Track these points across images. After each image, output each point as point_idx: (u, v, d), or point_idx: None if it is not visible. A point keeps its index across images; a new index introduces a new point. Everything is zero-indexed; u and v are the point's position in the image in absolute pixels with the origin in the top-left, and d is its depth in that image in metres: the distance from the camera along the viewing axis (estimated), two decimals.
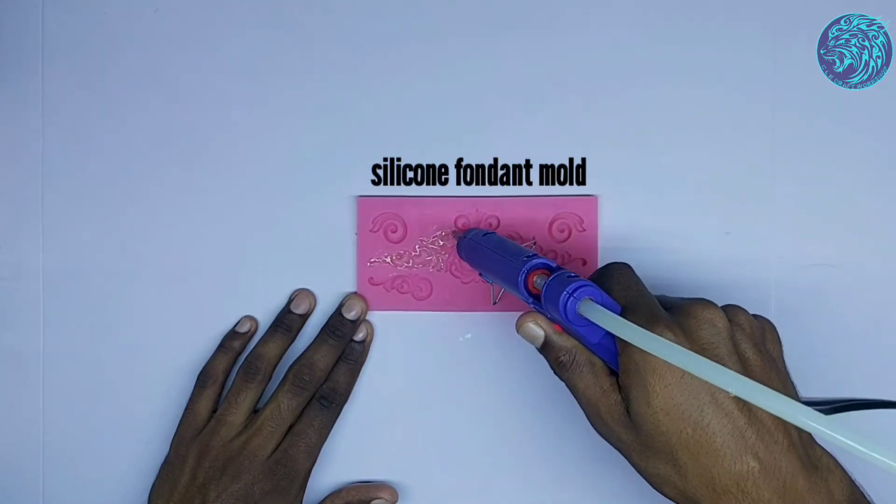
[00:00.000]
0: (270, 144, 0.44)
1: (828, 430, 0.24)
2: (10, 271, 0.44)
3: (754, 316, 0.34)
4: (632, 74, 0.43)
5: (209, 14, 0.44)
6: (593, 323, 0.31)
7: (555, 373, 0.35)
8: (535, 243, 0.42)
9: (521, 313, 0.35)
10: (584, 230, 0.43)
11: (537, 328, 0.34)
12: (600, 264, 0.42)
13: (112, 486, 0.44)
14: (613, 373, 0.33)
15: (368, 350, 0.44)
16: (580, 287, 0.31)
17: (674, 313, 0.32)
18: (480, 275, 0.40)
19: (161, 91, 0.44)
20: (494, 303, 0.41)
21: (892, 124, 0.43)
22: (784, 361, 0.34)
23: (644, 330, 0.29)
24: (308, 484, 0.42)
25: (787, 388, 0.33)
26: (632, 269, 0.35)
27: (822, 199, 0.43)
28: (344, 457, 0.44)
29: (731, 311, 0.33)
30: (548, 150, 0.43)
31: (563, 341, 0.34)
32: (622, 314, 0.32)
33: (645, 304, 0.33)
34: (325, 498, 0.43)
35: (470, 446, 0.43)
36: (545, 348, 0.35)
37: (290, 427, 0.41)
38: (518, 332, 0.35)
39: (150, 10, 0.44)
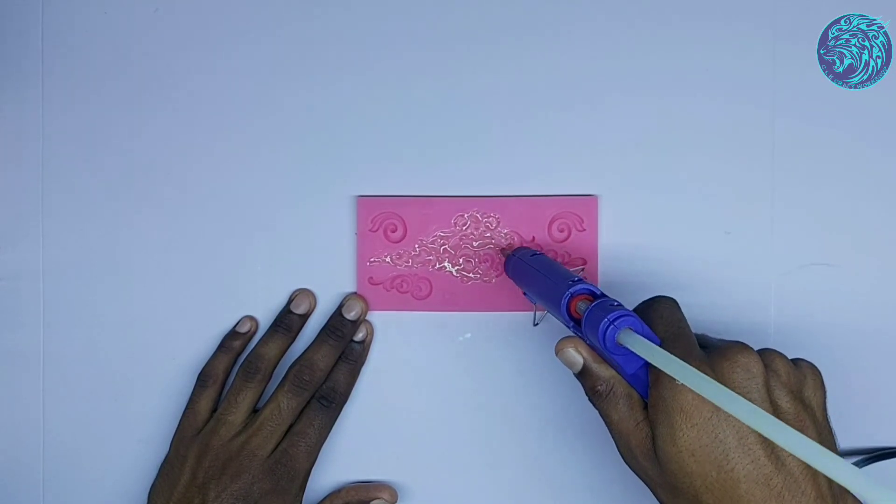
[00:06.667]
0: (270, 145, 0.44)
1: (849, 477, 0.23)
2: (10, 271, 0.44)
3: (797, 360, 0.34)
4: (632, 74, 0.43)
5: (209, 15, 0.44)
6: (631, 353, 0.30)
7: (590, 400, 0.35)
8: (583, 269, 0.42)
9: (561, 337, 0.35)
10: (584, 230, 0.43)
11: (576, 354, 0.34)
12: (600, 264, 0.42)
13: (112, 486, 0.44)
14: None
15: (368, 350, 0.44)
16: (621, 316, 0.31)
17: (710, 354, 0.32)
18: (524, 294, 0.40)
19: (161, 91, 0.44)
20: (535, 324, 0.41)
21: (892, 124, 0.43)
22: (825, 410, 0.33)
23: (677, 359, 0.28)
24: (308, 484, 0.42)
25: (822, 437, 0.32)
26: (677, 305, 0.35)
27: (822, 199, 0.43)
28: (344, 457, 0.44)
29: (768, 356, 0.33)
30: (548, 149, 0.43)
31: (602, 370, 0.34)
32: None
33: (683, 341, 0.32)
34: (325, 498, 0.43)
35: (470, 446, 0.43)
36: (583, 375, 0.35)
37: (290, 427, 0.41)
38: (557, 355, 0.35)
39: (150, 11, 0.44)
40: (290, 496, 0.41)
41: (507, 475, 0.43)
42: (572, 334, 0.35)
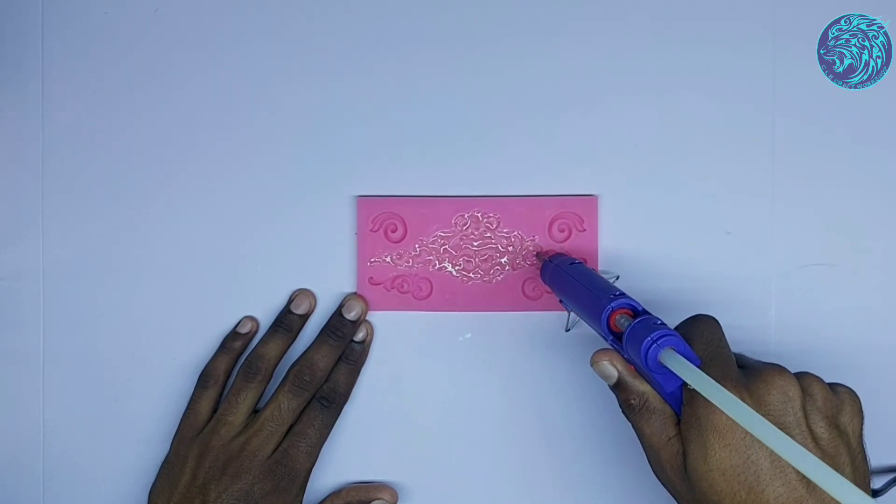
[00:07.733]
0: (270, 144, 0.44)
1: None
2: (10, 271, 0.44)
3: (834, 385, 0.34)
4: (632, 74, 0.43)
5: (209, 15, 0.44)
6: (670, 372, 0.30)
7: (623, 412, 0.35)
8: (618, 278, 0.42)
9: (596, 349, 0.35)
10: (584, 230, 0.43)
11: (612, 367, 0.35)
12: (600, 264, 0.42)
13: (112, 486, 0.44)
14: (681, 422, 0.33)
15: (368, 350, 0.44)
16: (665, 336, 0.31)
17: (747, 375, 0.32)
18: (560, 301, 0.40)
19: (161, 91, 0.44)
20: (567, 329, 0.42)
21: (892, 124, 0.43)
22: (861, 437, 0.33)
23: (717, 385, 0.28)
24: (308, 484, 0.42)
25: (855, 465, 0.32)
26: (717, 324, 0.35)
27: (822, 199, 0.43)
28: (344, 457, 0.44)
29: (805, 380, 0.33)
30: (548, 149, 0.43)
31: (637, 384, 0.34)
32: (700, 368, 0.32)
33: (722, 361, 0.33)
34: (325, 498, 0.43)
35: (469, 446, 0.43)
36: (617, 387, 0.35)
37: (291, 427, 0.41)
38: (592, 367, 0.35)
39: (150, 11, 0.44)
40: (291, 496, 0.41)
41: (507, 475, 0.43)
42: (607, 346, 0.35)
